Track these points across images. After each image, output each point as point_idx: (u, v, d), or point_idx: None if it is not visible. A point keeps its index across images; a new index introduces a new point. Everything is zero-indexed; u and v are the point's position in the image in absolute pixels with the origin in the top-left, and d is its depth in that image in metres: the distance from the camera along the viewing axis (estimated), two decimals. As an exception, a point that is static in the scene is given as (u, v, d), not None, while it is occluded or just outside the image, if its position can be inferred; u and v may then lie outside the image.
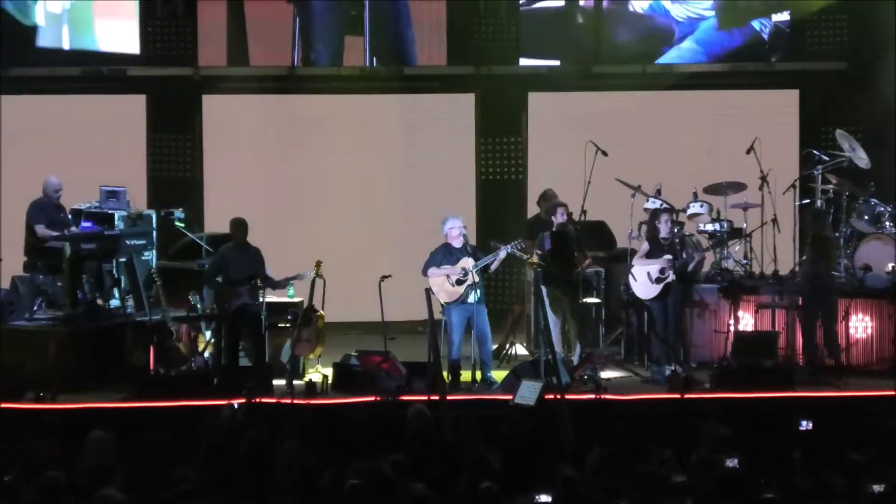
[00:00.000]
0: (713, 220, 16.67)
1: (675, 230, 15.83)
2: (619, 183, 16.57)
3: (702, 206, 16.85)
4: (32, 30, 19.05)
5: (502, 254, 15.08)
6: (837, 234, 16.36)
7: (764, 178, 16.57)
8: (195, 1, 19.22)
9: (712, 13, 19.58)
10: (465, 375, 15.09)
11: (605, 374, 15.27)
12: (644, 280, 15.54)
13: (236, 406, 12.95)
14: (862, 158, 16.99)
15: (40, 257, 15.72)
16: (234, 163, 19.18)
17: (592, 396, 14.21)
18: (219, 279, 15.03)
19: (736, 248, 16.84)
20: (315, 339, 15.43)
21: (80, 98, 19.13)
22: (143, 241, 16.16)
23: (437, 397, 13.18)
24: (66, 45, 19.25)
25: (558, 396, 12.84)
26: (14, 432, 12.60)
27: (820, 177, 16.88)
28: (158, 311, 15.12)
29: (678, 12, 19.59)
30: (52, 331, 15.03)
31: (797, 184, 16.92)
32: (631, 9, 19.61)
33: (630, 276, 15.69)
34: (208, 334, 15.45)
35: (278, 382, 14.81)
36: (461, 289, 15.02)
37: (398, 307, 15.60)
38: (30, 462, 10.58)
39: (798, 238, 16.85)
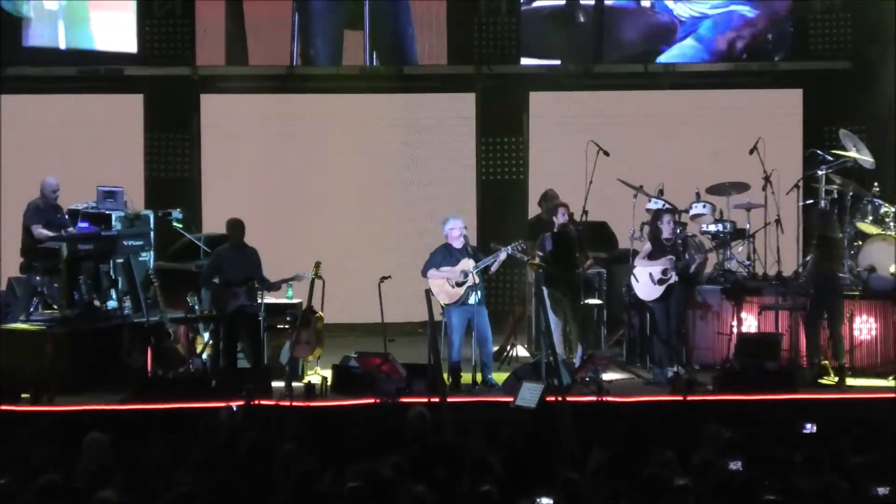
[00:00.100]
0: (716, 221, 16.61)
1: (678, 231, 15.75)
2: (621, 183, 16.50)
3: (704, 206, 16.78)
4: (27, 29, 18.94)
5: (502, 255, 15.01)
6: (842, 235, 16.27)
7: (767, 179, 16.47)
8: (193, 0, 19.15)
9: (714, 11, 19.51)
10: (466, 377, 15.04)
11: (607, 376, 15.19)
12: (646, 281, 15.45)
13: (235, 408, 12.85)
14: (867, 159, 16.91)
15: (37, 258, 15.64)
16: (232, 163, 19.09)
17: (594, 398, 14.15)
18: (215, 280, 14.93)
19: (739, 249, 16.76)
20: (314, 341, 15.37)
21: (77, 98, 19.08)
22: (140, 242, 16.11)
23: (437, 399, 13.10)
24: (62, 45, 19.19)
25: (559, 398, 12.79)
26: (10, 435, 12.53)
27: (824, 177, 16.79)
28: (156, 312, 15.06)
29: (681, 11, 19.51)
30: (49, 332, 14.93)
31: (801, 184, 16.83)
32: (634, 5, 19.53)
33: (632, 277, 15.62)
34: (206, 336, 15.38)
35: (277, 384, 14.73)
36: (461, 290, 14.95)
37: (398, 308, 15.55)
38: (27, 465, 10.50)
39: (801, 239, 16.75)
